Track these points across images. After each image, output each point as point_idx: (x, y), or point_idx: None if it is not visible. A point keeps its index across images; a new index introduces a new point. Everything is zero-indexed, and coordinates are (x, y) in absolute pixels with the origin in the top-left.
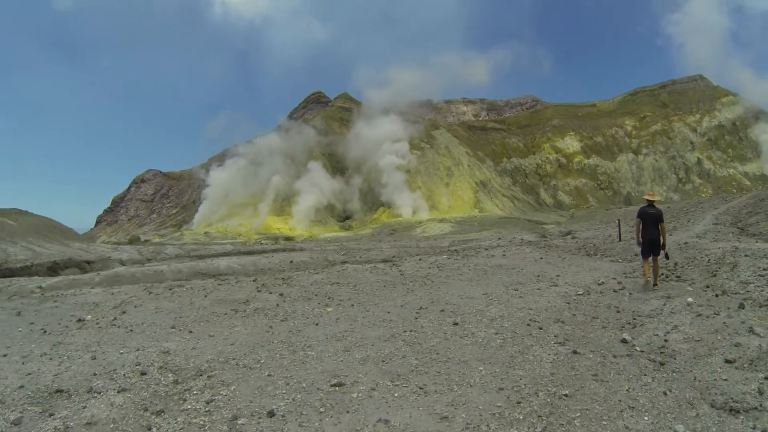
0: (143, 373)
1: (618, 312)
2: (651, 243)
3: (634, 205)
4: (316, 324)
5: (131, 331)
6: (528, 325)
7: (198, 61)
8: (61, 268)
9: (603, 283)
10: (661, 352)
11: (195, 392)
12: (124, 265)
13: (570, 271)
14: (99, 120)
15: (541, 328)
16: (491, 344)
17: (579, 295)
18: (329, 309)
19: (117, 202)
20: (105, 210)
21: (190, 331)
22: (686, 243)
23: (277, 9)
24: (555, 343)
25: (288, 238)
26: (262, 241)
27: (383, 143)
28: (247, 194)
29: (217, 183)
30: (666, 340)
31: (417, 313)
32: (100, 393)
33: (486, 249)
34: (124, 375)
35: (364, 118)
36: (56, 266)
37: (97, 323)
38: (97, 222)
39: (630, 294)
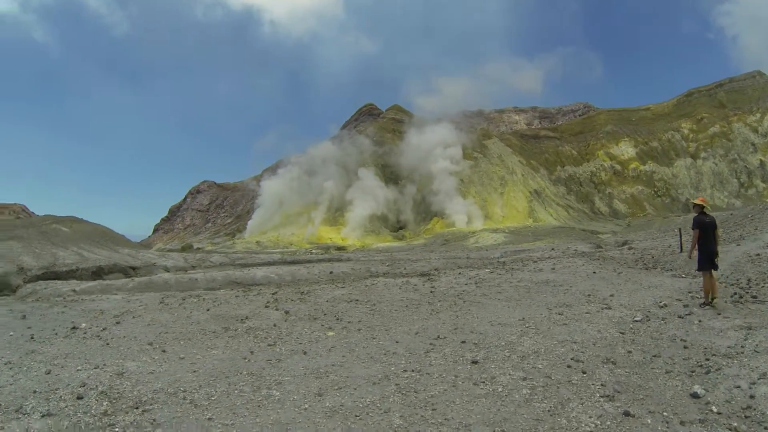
0: (79, 398)
1: (686, 348)
2: (712, 255)
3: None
4: (305, 353)
5: (107, 344)
6: (568, 366)
7: (250, 79)
8: (105, 272)
9: (665, 305)
10: (747, 416)
11: (116, 430)
12: (168, 271)
13: (626, 289)
14: (157, 137)
15: (584, 373)
16: (513, 396)
17: (636, 321)
18: (330, 333)
19: (174, 212)
20: (162, 219)
21: (164, 351)
22: (758, 255)
23: (324, 26)
24: (601, 396)
25: (340, 248)
26: (313, 251)
27: (435, 149)
28: (301, 203)
29: (270, 192)
30: (752, 397)
31: (431, 344)
32: (25, 415)
33: (535, 261)
34: (61, 397)
35: (416, 126)
36: (101, 271)
37: (85, 333)
38: (155, 230)
39: (699, 321)
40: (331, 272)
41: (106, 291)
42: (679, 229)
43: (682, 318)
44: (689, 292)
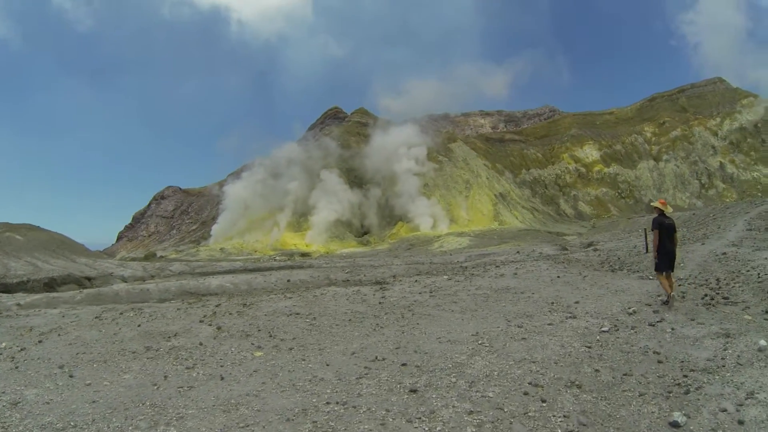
0: None
1: (660, 363)
2: (670, 256)
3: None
4: (222, 378)
5: (16, 368)
6: (525, 393)
7: (216, 80)
8: (58, 284)
9: (634, 312)
10: None
11: None
12: (125, 281)
13: (592, 295)
14: (120, 139)
15: (544, 401)
16: None
17: (604, 332)
18: (258, 353)
19: (138, 219)
20: (126, 226)
21: (71, 376)
22: (724, 253)
23: (292, 27)
24: None
25: (304, 255)
26: (276, 258)
27: (399, 149)
28: (265, 208)
29: (234, 196)
30: (741, 422)
31: (366, 368)
32: None
33: (497, 266)
34: None
35: (380, 128)
36: (53, 282)
37: (1, 354)
38: (119, 238)
39: (672, 329)
40: (288, 280)
41: (52, 304)
42: (645, 230)
43: (653, 326)
44: (658, 296)
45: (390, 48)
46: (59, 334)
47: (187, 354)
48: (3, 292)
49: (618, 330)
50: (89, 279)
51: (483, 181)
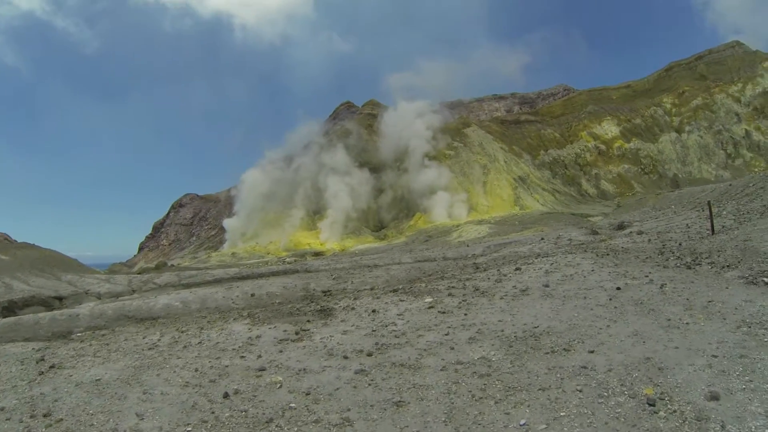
0: None
1: None
2: None
3: (684, 188)
4: None
5: None
6: None
7: (224, 86)
8: (19, 307)
9: None
10: None
11: None
12: (100, 298)
13: (721, 350)
14: (134, 152)
15: None
16: None
17: None
18: None
19: (157, 228)
20: (147, 236)
21: None
22: None
23: (295, 27)
24: None
25: (317, 254)
26: (286, 260)
27: (412, 125)
28: (279, 206)
29: (246, 195)
30: None
31: None
32: None
33: (517, 267)
34: None
35: (392, 115)
36: (14, 305)
37: None
38: (140, 249)
39: None
40: (252, 295)
41: None
42: (709, 203)
43: None
44: None
45: (396, 39)
46: None
47: None
48: None
49: None
50: (60, 299)
51: (501, 165)
